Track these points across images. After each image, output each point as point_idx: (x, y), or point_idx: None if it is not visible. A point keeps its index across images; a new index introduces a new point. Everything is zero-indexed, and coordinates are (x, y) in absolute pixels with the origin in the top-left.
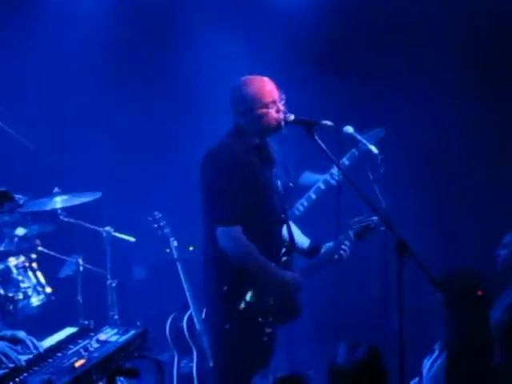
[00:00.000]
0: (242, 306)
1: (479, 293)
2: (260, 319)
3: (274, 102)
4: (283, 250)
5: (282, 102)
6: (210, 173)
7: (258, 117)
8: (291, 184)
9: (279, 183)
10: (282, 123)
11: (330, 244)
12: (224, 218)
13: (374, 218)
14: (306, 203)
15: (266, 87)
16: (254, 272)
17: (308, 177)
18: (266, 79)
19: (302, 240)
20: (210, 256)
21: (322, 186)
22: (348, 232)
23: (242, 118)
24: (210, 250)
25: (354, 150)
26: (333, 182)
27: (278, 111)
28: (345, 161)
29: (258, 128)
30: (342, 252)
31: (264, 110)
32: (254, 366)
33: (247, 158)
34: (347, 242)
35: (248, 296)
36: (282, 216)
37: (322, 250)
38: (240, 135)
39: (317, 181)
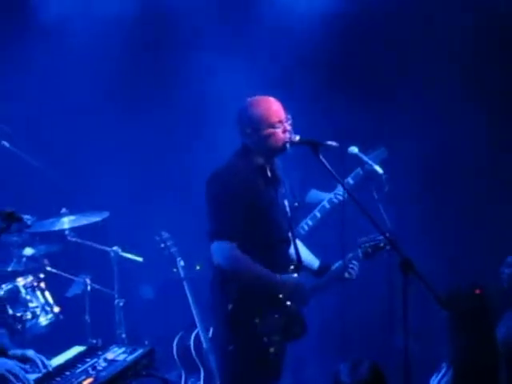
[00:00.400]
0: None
1: (477, 291)
2: (265, 339)
3: (281, 122)
4: (290, 267)
5: (289, 122)
6: (212, 191)
7: (264, 137)
8: (296, 204)
9: (286, 202)
10: (288, 144)
11: (339, 263)
12: (219, 233)
13: (381, 237)
14: (310, 222)
15: (273, 107)
16: (253, 282)
17: (314, 195)
18: (271, 99)
19: (311, 259)
20: (217, 274)
21: (327, 205)
22: (356, 251)
23: (249, 138)
24: (215, 269)
25: (358, 170)
26: (337, 201)
27: (284, 131)
28: (349, 180)
29: (265, 148)
30: (350, 271)
31: (271, 130)
32: None
33: (251, 179)
34: (355, 262)
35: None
36: (289, 235)
37: (332, 269)
38: (246, 156)
39: (322, 199)
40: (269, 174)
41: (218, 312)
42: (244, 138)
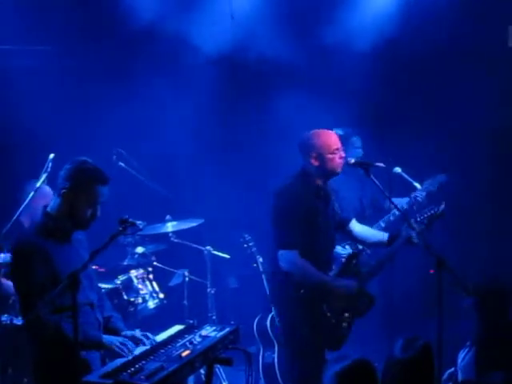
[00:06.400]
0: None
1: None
2: (333, 321)
3: (338, 149)
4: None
5: (343, 151)
6: (278, 207)
7: (326, 161)
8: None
9: (333, 214)
10: (343, 166)
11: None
12: (284, 243)
13: (433, 209)
14: (383, 224)
15: (332, 138)
16: (311, 285)
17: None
18: (330, 132)
19: (380, 235)
20: (277, 269)
21: (405, 206)
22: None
23: (312, 162)
24: (276, 265)
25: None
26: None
27: (340, 157)
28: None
29: (325, 170)
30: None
31: (330, 156)
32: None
33: (308, 198)
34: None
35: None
36: (334, 240)
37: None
38: (305, 177)
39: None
40: (322, 192)
41: (287, 297)
42: (306, 161)
